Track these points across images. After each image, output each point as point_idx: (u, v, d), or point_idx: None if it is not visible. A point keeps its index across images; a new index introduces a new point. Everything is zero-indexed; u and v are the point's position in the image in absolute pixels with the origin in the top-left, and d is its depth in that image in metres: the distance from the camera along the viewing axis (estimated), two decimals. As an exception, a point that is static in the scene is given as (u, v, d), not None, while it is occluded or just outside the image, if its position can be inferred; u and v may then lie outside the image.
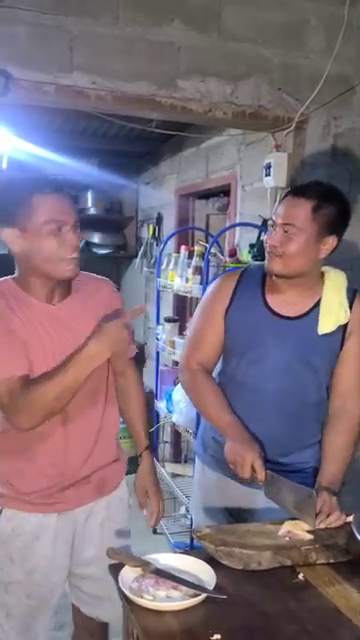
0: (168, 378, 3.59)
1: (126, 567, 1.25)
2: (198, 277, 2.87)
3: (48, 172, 1.55)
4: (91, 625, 1.75)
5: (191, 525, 2.67)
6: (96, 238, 5.02)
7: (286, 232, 1.57)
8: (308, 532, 1.40)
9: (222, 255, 2.98)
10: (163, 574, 1.23)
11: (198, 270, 2.88)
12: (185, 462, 3.86)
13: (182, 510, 3.48)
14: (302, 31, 2.44)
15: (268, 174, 2.52)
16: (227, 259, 2.86)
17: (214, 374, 1.79)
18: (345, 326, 1.65)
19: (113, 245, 5.09)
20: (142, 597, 1.16)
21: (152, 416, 3.55)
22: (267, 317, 1.67)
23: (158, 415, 3.59)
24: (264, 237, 1.73)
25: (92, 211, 4.99)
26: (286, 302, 1.67)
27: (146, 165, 4.79)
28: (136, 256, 4.90)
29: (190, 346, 1.79)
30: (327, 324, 1.64)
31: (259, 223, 2.75)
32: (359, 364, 1.69)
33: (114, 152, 4.47)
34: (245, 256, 2.84)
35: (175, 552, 1.62)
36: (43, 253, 1.40)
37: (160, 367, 3.64)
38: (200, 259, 2.90)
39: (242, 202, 3.15)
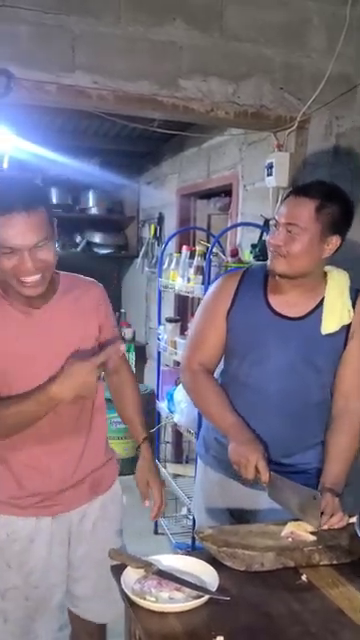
0: (169, 378, 3.57)
1: (128, 568, 1.24)
2: (200, 277, 2.86)
3: (30, 175, 1.51)
4: (89, 626, 1.74)
5: (193, 526, 2.67)
6: (97, 238, 5.02)
7: (289, 232, 1.57)
8: (311, 533, 1.40)
9: (224, 255, 2.98)
10: (166, 575, 1.22)
11: (200, 270, 2.88)
12: (186, 462, 3.85)
13: (184, 511, 3.48)
14: (304, 31, 2.44)
15: (270, 174, 2.52)
16: (229, 259, 2.85)
17: (216, 374, 1.79)
18: (348, 326, 1.65)
19: (114, 245, 5.08)
20: (145, 598, 1.16)
21: (153, 416, 3.54)
22: (269, 318, 1.66)
23: (159, 415, 3.57)
24: (266, 237, 1.72)
25: (93, 211, 4.99)
26: (288, 303, 1.66)
27: (147, 165, 4.79)
28: (137, 256, 4.89)
29: (191, 346, 1.78)
30: (331, 324, 1.63)
31: (261, 223, 2.74)
32: None
33: (115, 152, 4.47)
34: (247, 256, 2.83)
35: (177, 553, 1.62)
36: (3, 270, 1.37)
37: (161, 367, 3.63)
38: (202, 259, 2.89)
39: (244, 202, 3.14)
